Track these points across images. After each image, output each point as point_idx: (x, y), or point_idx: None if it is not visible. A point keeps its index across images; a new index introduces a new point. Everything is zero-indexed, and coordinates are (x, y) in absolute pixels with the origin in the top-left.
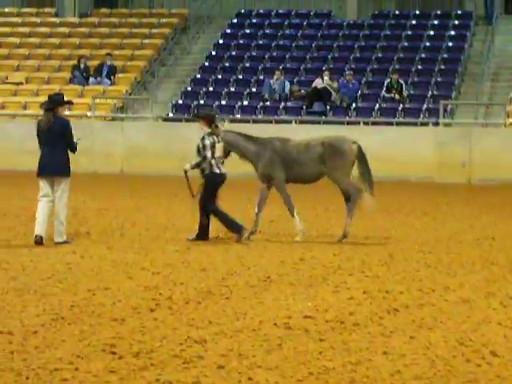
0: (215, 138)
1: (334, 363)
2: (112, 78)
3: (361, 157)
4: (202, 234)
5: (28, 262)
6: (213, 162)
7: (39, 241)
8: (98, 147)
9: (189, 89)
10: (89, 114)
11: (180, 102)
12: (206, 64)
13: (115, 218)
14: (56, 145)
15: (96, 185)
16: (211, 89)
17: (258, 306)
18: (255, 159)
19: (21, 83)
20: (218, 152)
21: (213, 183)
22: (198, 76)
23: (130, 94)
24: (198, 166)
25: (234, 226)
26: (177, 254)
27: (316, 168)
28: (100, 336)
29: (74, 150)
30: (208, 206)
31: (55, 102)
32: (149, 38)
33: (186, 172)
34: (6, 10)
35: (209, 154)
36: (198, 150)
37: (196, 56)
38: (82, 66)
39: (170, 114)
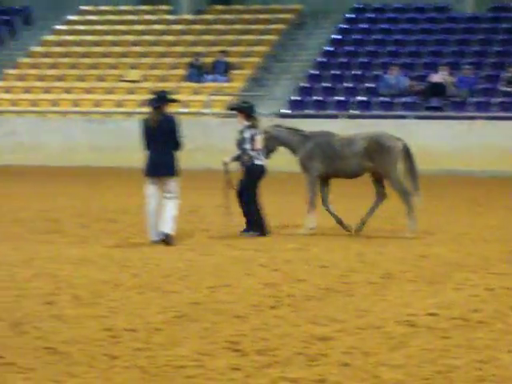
0: (254, 130)
1: (459, 361)
2: (227, 74)
3: (406, 155)
4: (258, 226)
5: (149, 259)
6: (252, 153)
7: (159, 243)
8: (214, 144)
9: (304, 85)
10: (204, 111)
11: (295, 98)
12: (322, 60)
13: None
14: (165, 143)
15: (212, 182)
16: (327, 85)
17: (379, 303)
18: (297, 150)
19: (137, 81)
20: (258, 144)
21: (253, 174)
22: (314, 72)
23: (245, 91)
24: (237, 158)
25: (261, 227)
26: (296, 251)
27: (359, 163)
28: (223, 333)
29: (180, 147)
30: (247, 197)
31: (163, 100)
32: (264, 34)
33: (225, 164)
34: (122, 7)
35: (248, 146)
36: (238, 143)
37: (311, 52)
38: (197, 63)
39: (286, 111)
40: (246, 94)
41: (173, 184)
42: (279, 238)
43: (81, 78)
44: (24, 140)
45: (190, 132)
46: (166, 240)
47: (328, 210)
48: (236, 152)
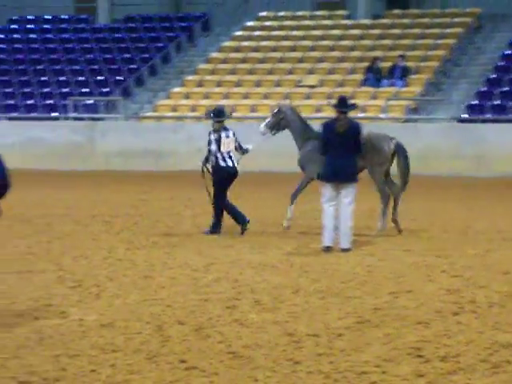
0: (222, 133)
1: None
2: (405, 79)
3: (399, 154)
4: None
5: (329, 264)
6: (218, 155)
7: (327, 250)
8: None
9: (483, 89)
10: (382, 115)
11: (474, 102)
12: (501, 63)
13: (413, 221)
14: (348, 149)
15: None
16: (506, 89)
17: None
18: (298, 144)
19: (314, 86)
20: (226, 147)
21: (218, 175)
22: (493, 76)
23: (422, 95)
24: (206, 160)
25: (239, 218)
26: (476, 257)
27: None
28: (405, 339)
29: (361, 151)
30: (216, 200)
31: (351, 106)
32: (441, 38)
33: (201, 166)
34: (299, 13)
35: (214, 147)
36: (207, 145)
37: (490, 55)
38: (375, 67)
39: (464, 115)
40: (423, 99)
41: (351, 190)
42: (458, 243)
43: (258, 84)
44: (202, 146)
45: None
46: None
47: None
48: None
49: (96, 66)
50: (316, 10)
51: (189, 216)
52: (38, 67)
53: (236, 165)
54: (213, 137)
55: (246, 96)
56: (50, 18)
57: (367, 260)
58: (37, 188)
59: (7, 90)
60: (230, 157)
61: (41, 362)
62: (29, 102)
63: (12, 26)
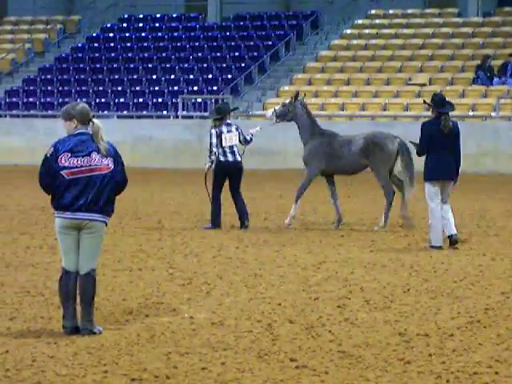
0: (222, 128)
1: None
2: None
3: (402, 152)
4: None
5: (439, 264)
6: (220, 150)
7: (438, 248)
8: (503, 148)
9: None
10: (493, 114)
11: None
12: None
13: None
14: (450, 148)
15: (500, 186)
16: None
17: None
18: (304, 140)
19: (424, 84)
20: (227, 142)
21: (216, 170)
22: None
23: None
24: (210, 152)
25: (214, 221)
26: None
27: (356, 161)
28: None
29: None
30: (212, 191)
31: (451, 106)
32: None
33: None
34: (410, 11)
35: (214, 141)
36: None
37: None
38: (486, 65)
39: None
40: None
41: (450, 187)
42: None
43: (368, 82)
44: None
45: (477, 136)
46: (453, 239)
47: (335, 204)
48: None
49: (205, 65)
50: (426, 7)
51: (298, 214)
52: (149, 65)
53: (239, 159)
54: (213, 131)
55: (355, 94)
56: (161, 16)
57: (478, 259)
58: (146, 186)
59: (118, 88)
60: (233, 152)
61: (152, 359)
62: (139, 100)
63: (123, 25)
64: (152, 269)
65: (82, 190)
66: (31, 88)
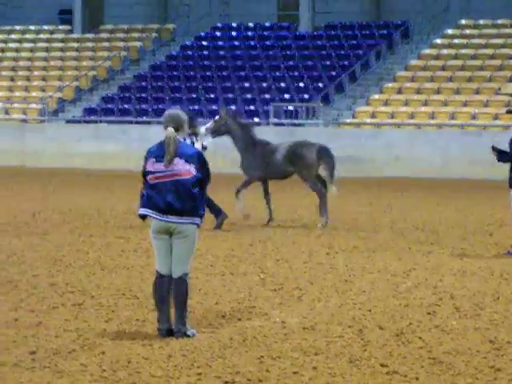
0: (193, 138)
1: None
2: None
3: (322, 155)
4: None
5: None
6: None
7: None
8: None
9: None
10: None
11: None
12: None
13: None
14: None
15: None
16: None
17: None
18: (239, 150)
19: None
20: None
21: None
22: None
23: None
24: None
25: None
26: None
27: (283, 168)
28: None
29: None
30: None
31: None
32: None
33: None
34: (499, 21)
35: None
36: None
37: None
38: None
39: None
40: None
41: None
42: None
43: (457, 91)
44: (400, 153)
45: None
46: None
47: (268, 202)
48: None
49: (297, 73)
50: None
51: (387, 222)
52: (241, 73)
53: None
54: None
55: (445, 103)
56: (254, 25)
57: None
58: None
59: (211, 96)
60: None
61: (244, 362)
62: (231, 107)
63: (216, 34)
64: (244, 273)
65: (167, 195)
66: (126, 95)
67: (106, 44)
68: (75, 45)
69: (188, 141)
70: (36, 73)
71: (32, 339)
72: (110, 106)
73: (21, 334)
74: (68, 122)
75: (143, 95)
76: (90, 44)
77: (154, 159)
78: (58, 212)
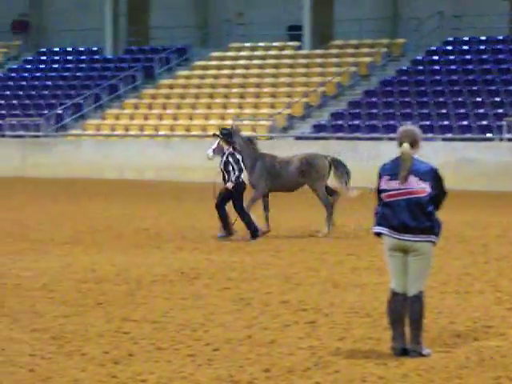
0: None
1: None
2: None
3: (335, 166)
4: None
5: None
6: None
7: None
8: None
9: None
10: None
11: None
12: None
13: None
14: None
15: None
16: None
17: None
18: (248, 165)
19: None
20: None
21: (240, 189)
22: None
23: None
24: (237, 178)
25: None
26: None
27: (295, 179)
28: None
29: None
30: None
31: None
32: None
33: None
34: None
35: (243, 165)
36: (226, 165)
37: None
38: None
39: None
40: None
41: None
42: None
43: None
44: None
45: None
46: None
47: (266, 216)
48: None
49: None
50: None
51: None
52: (473, 88)
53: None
54: (239, 157)
55: None
56: (486, 39)
57: None
58: (468, 209)
59: (442, 111)
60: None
61: (481, 383)
62: (463, 122)
63: (448, 48)
64: (479, 292)
65: (402, 213)
66: (356, 111)
67: (335, 60)
68: (304, 61)
69: (239, 157)
70: (265, 89)
71: (266, 357)
72: (339, 122)
73: (254, 352)
74: (297, 138)
75: (373, 111)
76: (319, 60)
77: (389, 177)
78: (286, 229)
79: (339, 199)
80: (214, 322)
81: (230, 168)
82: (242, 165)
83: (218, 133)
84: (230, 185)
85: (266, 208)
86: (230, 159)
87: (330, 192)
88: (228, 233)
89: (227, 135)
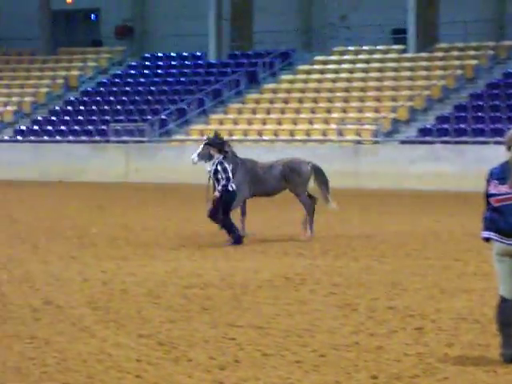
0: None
1: None
2: None
3: (316, 173)
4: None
5: None
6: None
7: None
8: None
9: None
10: None
11: None
12: None
13: None
14: None
15: None
16: None
17: None
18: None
19: None
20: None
21: (228, 198)
22: None
23: None
24: (224, 187)
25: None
26: None
27: (277, 184)
28: None
29: None
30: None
31: None
32: None
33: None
34: None
35: (230, 174)
36: (215, 173)
37: None
38: None
39: None
40: None
41: None
42: None
43: None
44: None
45: None
46: None
47: (243, 220)
48: (210, 181)
49: None
50: None
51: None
52: None
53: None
54: (226, 165)
55: None
56: None
57: None
58: None
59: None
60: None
61: None
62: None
63: None
64: None
65: (511, 217)
66: (462, 114)
67: (440, 63)
68: (409, 64)
69: (226, 165)
70: (370, 93)
71: (373, 363)
72: (445, 125)
73: (361, 358)
74: (402, 142)
75: (479, 114)
76: (424, 63)
77: (497, 181)
78: (392, 233)
79: (317, 203)
80: (320, 328)
81: (220, 176)
82: (231, 174)
83: (208, 140)
84: (216, 193)
85: (243, 213)
86: (219, 167)
87: (309, 196)
88: (242, 232)
89: (220, 144)
